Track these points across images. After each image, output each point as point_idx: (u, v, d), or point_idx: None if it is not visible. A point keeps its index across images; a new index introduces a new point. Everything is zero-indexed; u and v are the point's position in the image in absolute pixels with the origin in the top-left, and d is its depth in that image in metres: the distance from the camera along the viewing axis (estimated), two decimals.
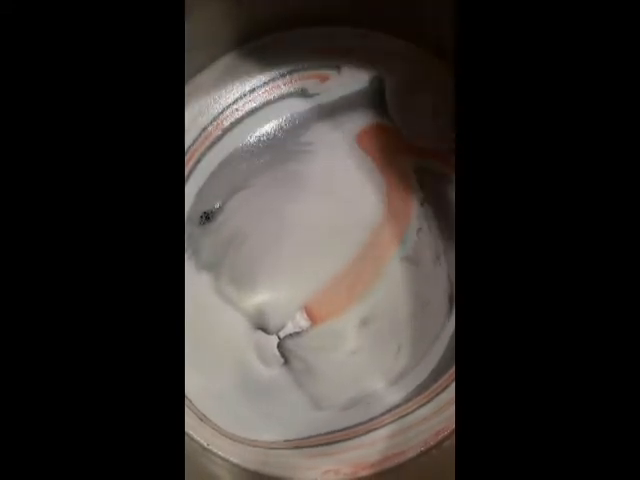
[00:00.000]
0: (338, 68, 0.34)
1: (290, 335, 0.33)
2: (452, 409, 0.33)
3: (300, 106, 0.34)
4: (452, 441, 0.32)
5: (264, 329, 0.33)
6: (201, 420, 0.33)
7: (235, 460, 0.33)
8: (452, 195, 0.33)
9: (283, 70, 0.34)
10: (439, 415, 0.33)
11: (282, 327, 0.33)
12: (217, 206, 0.33)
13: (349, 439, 0.33)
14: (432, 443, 0.33)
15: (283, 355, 0.33)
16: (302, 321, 0.33)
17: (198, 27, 0.28)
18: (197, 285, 0.33)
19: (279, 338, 0.33)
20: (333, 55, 0.34)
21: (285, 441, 0.33)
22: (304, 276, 0.33)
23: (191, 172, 0.33)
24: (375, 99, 0.33)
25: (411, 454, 0.33)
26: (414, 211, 0.33)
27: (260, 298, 0.33)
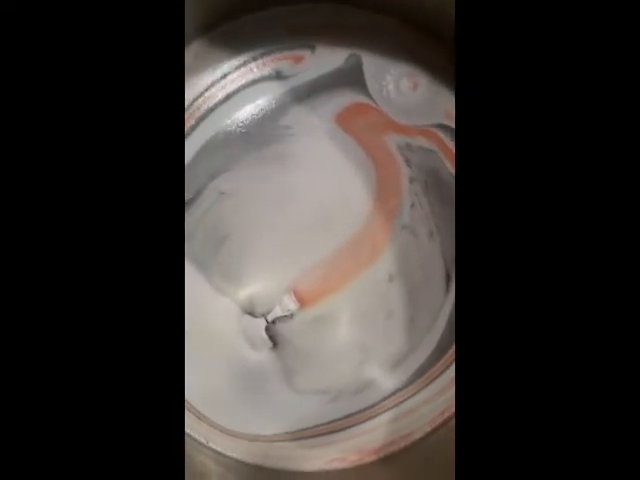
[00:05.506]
0: (312, 47, 0.33)
1: (279, 319, 0.32)
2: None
3: (276, 89, 0.33)
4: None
5: (251, 313, 0.32)
6: (199, 418, 0.32)
7: (236, 456, 0.32)
8: (442, 171, 0.33)
9: (255, 53, 0.33)
10: (443, 394, 0.33)
11: (270, 310, 0.32)
12: (190, 197, 0.32)
13: (352, 426, 0.33)
14: (439, 422, 0.33)
15: (272, 339, 0.32)
16: (290, 304, 0.32)
17: None
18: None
19: (267, 322, 0.32)
20: (306, 34, 0.33)
21: (286, 433, 0.32)
22: (293, 258, 0.32)
23: None
24: (353, 77, 0.33)
25: (418, 435, 0.33)
26: (405, 188, 0.33)
27: (248, 282, 0.32)
